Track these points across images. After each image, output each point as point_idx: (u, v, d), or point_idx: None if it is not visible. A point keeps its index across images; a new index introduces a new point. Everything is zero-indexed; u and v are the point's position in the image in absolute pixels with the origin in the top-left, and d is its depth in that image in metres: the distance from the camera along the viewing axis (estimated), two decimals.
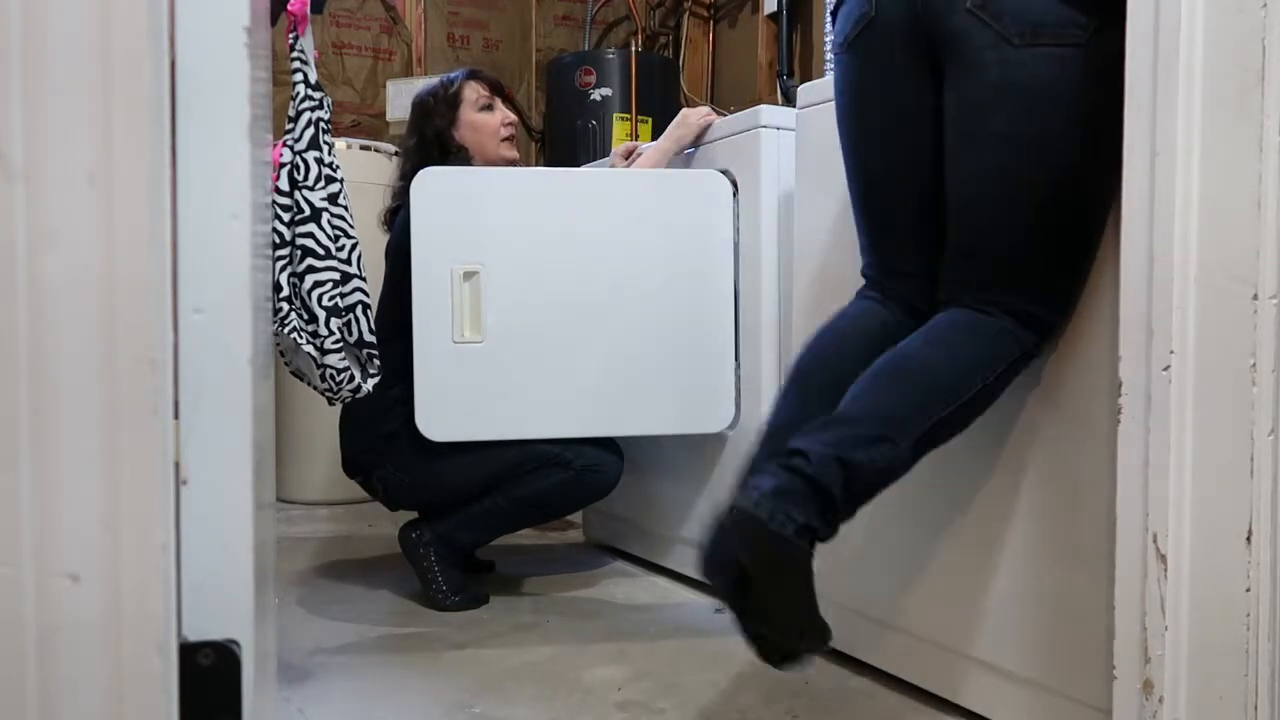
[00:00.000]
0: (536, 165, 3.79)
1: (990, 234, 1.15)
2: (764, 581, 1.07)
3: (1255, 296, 0.92)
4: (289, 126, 1.48)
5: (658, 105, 3.56)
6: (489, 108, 2.18)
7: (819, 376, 1.24)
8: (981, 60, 1.10)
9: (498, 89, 2.22)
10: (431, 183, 1.89)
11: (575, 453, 1.99)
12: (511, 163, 2.18)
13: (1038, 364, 1.23)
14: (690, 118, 2.12)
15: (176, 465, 0.68)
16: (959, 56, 1.13)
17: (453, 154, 2.13)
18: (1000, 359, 1.14)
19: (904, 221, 1.25)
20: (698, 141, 2.12)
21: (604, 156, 2.75)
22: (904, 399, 1.11)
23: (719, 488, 2.07)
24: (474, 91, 2.18)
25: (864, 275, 1.32)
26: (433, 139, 2.14)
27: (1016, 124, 1.10)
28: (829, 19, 1.25)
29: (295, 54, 1.48)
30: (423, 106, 2.19)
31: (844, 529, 1.13)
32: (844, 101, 1.28)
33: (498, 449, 1.96)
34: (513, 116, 2.20)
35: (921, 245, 1.24)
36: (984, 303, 1.16)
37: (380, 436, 2.04)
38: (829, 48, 2.83)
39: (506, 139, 2.17)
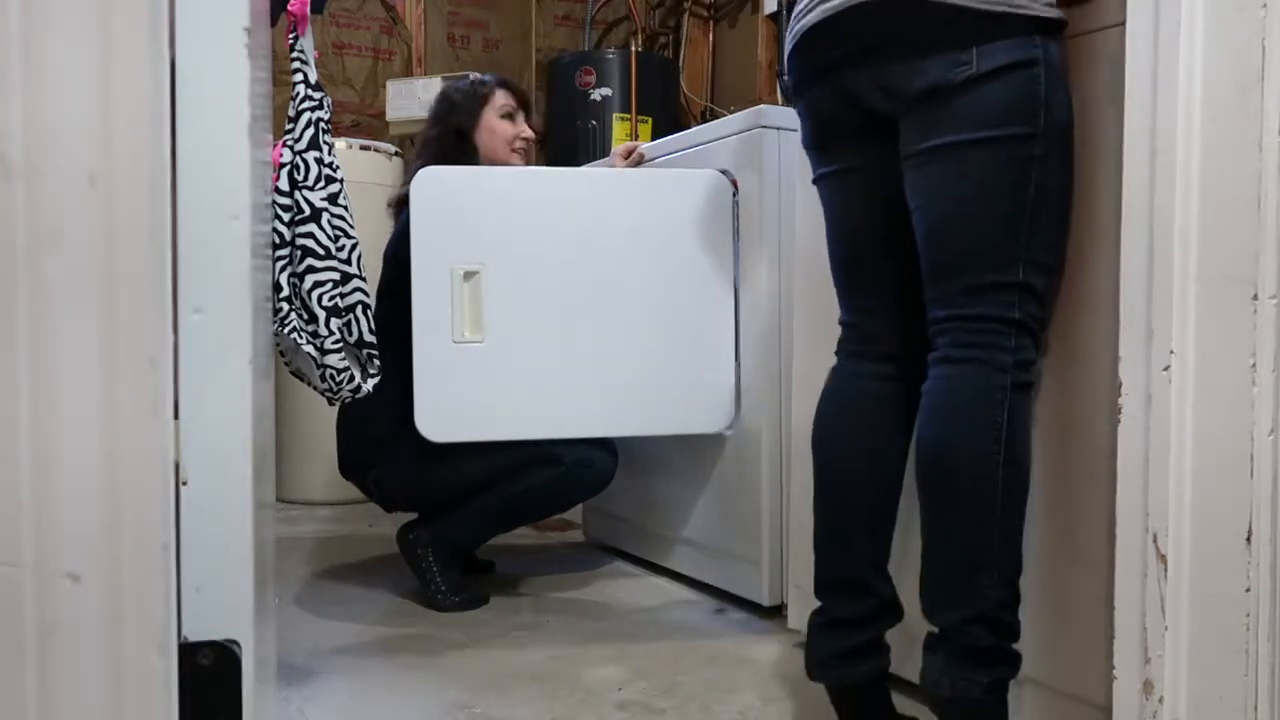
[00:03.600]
0: (536, 165, 3.79)
1: (935, 238, 1.18)
2: None
3: (1255, 296, 0.92)
4: (289, 126, 1.47)
5: (658, 105, 3.56)
6: (509, 117, 2.21)
7: (841, 483, 1.31)
8: (908, 124, 1.19)
9: (524, 103, 2.24)
10: (432, 183, 1.89)
11: (567, 450, 2.00)
12: None
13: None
14: (619, 151, 2.23)
15: (176, 465, 0.68)
16: (893, 124, 1.21)
17: (467, 153, 2.14)
18: (996, 418, 1.15)
19: (880, 273, 1.31)
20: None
21: (604, 156, 2.75)
22: (956, 514, 1.15)
23: (719, 488, 2.07)
24: (502, 98, 2.21)
25: (842, 328, 1.37)
26: (453, 133, 2.16)
27: (955, 132, 1.15)
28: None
29: (295, 54, 1.48)
30: (448, 100, 2.22)
31: None
32: (819, 181, 1.38)
33: (492, 448, 1.96)
34: (529, 132, 2.23)
35: (898, 296, 1.29)
36: (947, 329, 1.18)
37: (376, 438, 2.04)
38: None
39: (517, 150, 2.20)
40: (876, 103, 1.20)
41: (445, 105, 2.21)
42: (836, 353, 1.38)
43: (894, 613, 1.28)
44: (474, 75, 2.29)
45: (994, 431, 1.14)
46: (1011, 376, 1.15)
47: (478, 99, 2.19)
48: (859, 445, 1.30)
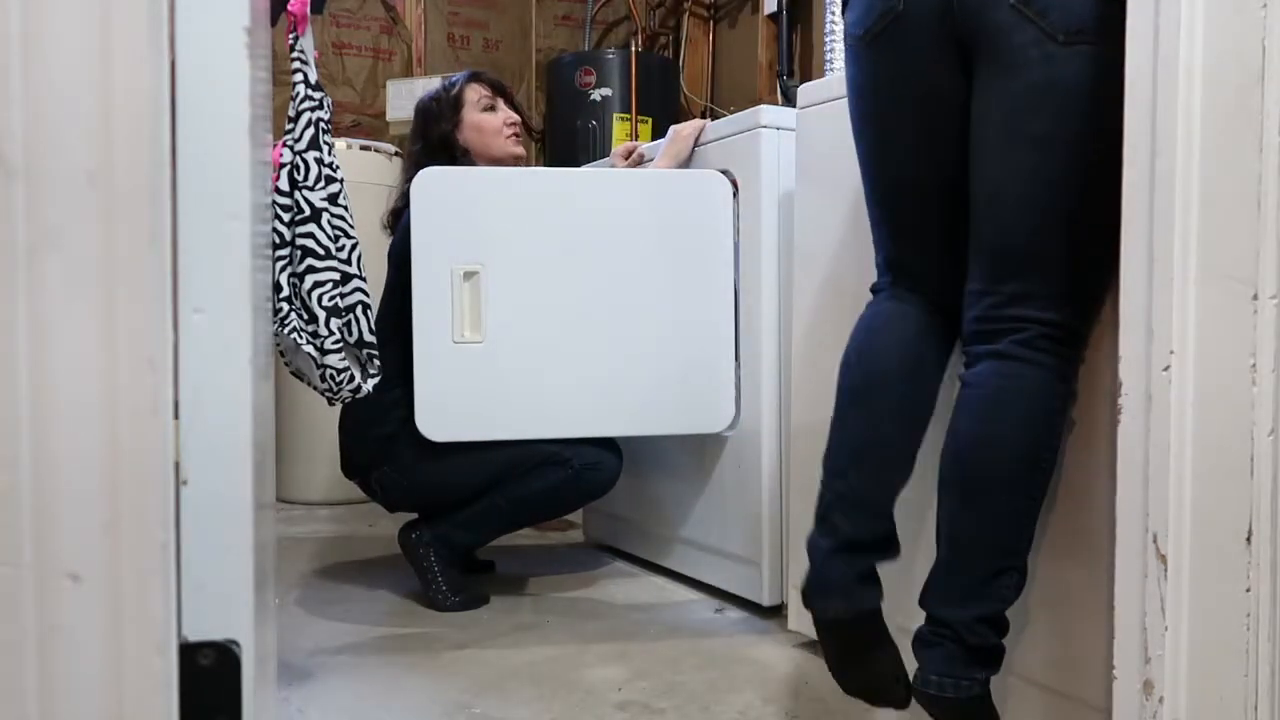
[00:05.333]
0: (536, 165, 3.79)
1: (1032, 236, 1.12)
2: None
3: (1255, 296, 0.92)
4: (289, 126, 1.47)
5: (658, 105, 3.56)
6: (491, 108, 2.18)
7: (878, 401, 1.24)
8: (1024, 58, 1.08)
9: (500, 89, 2.22)
10: (432, 183, 1.89)
11: (574, 451, 2.00)
12: (518, 159, 2.18)
13: None
14: (682, 131, 2.12)
15: (176, 465, 0.68)
16: (997, 53, 1.10)
17: (459, 157, 2.13)
18: (1056, 426, 1.14)
19: (928, 219, 1.23)
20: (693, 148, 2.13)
21: (604, 156, 2.75)
22: (996, 514, 1.14)
23: (719, 488, 2.07)
24: (475, 93, 2.18)
25: (880, 270, 1.29)
26: (438, 143, 2.14)
27: (1061, 124, 1.08)
28: (837, 9, 1.23)
29: (295, 54, 1.48)
30: (426, 111, 2.19)
31: None
32: (864, 96, 1.24)
33: (496, 449, 1.96)
34: (515, 116, 2.20)
35: (946, 242, 1.21)
36: (1021, 328, 1.13)
37: (379, 438, 2.04)
38: (829, 48, 2.83)
39: (511, 136, 2.17)
40: (1003, 17, 1.06)
41: (423, 117, 2.18)
42: (875, 291, 1.29)
43: (896, 548, 1.24)
44: (443, 80, 2.26)
45: (1054, 440, 1.13)
46: (1069, 386, 1.15)
47: (453, 101, 2.16)
48: (898, 370, 1.22)
